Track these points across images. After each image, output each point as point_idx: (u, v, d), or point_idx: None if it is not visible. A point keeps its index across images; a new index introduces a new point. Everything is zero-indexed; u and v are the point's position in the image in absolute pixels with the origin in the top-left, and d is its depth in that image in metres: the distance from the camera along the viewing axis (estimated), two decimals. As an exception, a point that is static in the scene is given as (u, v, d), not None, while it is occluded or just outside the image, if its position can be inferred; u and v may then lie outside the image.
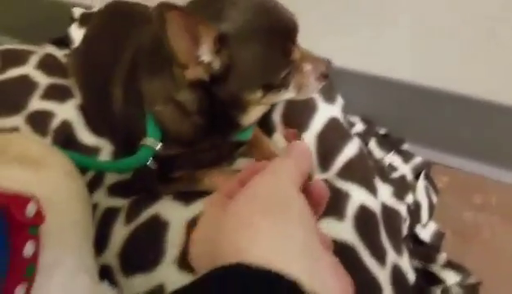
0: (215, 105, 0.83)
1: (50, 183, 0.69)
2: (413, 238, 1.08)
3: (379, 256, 0.90)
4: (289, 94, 0.85)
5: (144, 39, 0.90)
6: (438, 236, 1.10)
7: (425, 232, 1.09)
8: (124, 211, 0.96)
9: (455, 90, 1.23)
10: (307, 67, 0.83)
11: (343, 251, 0.86)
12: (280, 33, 0.78)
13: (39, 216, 0.57)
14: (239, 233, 0.38)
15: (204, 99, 0.82)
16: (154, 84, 0.86)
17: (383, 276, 0.88)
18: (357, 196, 0.94)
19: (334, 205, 0.91)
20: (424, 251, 1.05)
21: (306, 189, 0.47)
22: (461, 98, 1.22)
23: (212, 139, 0.91)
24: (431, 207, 1.14)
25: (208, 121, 0.86)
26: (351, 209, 0.92)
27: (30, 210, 0.56)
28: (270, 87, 0.81)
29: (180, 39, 0.71)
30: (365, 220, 0.92)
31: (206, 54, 0.75)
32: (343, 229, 0.89)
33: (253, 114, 0.89)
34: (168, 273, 0.86)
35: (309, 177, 0.48)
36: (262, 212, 0.39)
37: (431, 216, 1.14)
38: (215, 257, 0.38)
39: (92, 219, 0.85)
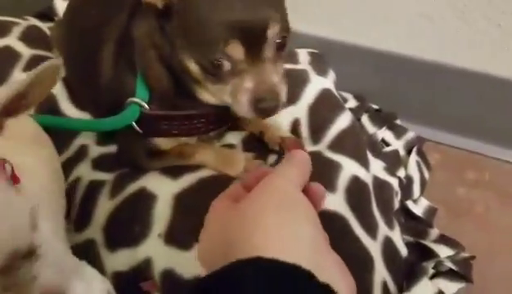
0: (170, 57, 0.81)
1: (15, 148, 0.65)
2: (405, 212, 1.05)
3: (371, 228, 0.88)
4: (225, 95, 0.78)
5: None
6: (431, 211, 1.07)
7: (417, 208, 1.07)
8: (110, 184, 0.93)
9: (446, 62, 1.20)
10: (248, 84, 0.74)
11: (333, 222, 0.84)
12: (231, 27, 0.71)
13: (15, 177, 0.55)
14: (253, 231, 0.42)
15: (159, 35, 0.81)
16: (142, 29, 0.84)
17: (374, 248, 0.86)
18: (349, 168, 0.92)
19: (326, 176, 0.89)
20: (416, 226, 1.02)
21: (304, 189, 0.51)
22: (453, 70, 1.19)
23: (189, 102, 0.87)
24: (423, 182, 1.12)
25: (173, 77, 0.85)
26: (342, 181, 0.90)
27: (8, 169, 0.54)
28: (204, 68, 0.76)
29: None
30: (356, 192, 0.90)
31: None
32: (335, 201, 0.86)
33: (209, 98, 0.85)
34: (155, 248, 0.83)
35: None
36: (273, 212, 0.44)
37: (423, 191, 1.11)
38: (228, 254, 0.42)
39: (65, 189, 0.81)
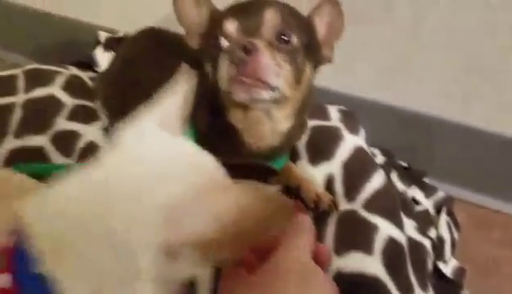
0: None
1: None
2: (436, 273, 1.03)
3: (407, 292, 0.86)
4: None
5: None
6: (460, 272, 1.05)
7: (447, 268, 1.05)
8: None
9: (475, 125, 1.20)
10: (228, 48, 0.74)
11: (373, 287, 0.82)
12: (234, 15, 0.77)
13: None
14: None
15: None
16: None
17: (411, 313, 0.83)
18: (384, 229, 0.91)
19: (363, 238, 0.88)
20: (447, 288, 1.00)
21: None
22: (483, 133, 1.20)
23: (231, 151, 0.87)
24: (453, 243, 1.11)
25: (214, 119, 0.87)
26: (378, 243, 0.88)
27: None
28: (213, 62, 0.78)
29: (183, 5, 0.83)
30: (392, 254, 0.88)
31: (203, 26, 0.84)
32: (372, 264, 0.85)
33: (239, 121, 0.85)
34: None
35: None
36: (295, 286, 0.45)
37: (453, 252, 1.09)
38: None
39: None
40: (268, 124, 0.86)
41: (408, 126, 1.27)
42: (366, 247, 0.86)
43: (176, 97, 0.54)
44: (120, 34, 1.40)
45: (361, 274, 0.83)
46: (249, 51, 0.70)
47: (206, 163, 0.50)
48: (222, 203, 0.42)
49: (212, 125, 0.88)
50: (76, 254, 0.43)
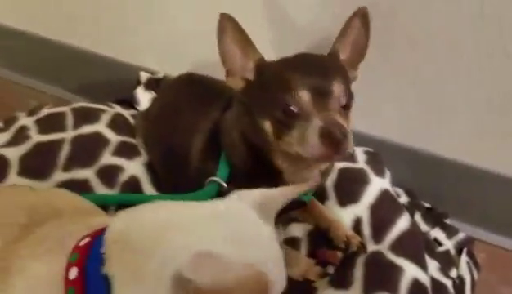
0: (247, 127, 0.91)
1: None
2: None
3: (431, 331, 0.90)
4: (293, 142, 0.82)
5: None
6: (480, 313, 1.08)
7: (468, 308, 1.08)
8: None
9: (494, 170, 1.24)
10: (316, 122, 0.79)
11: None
12: (298, 82, 0.81)
13: None
14: None
15: (243, 114, 0.92)
16: (229, 115, 0.97)
17: None
18: (410, 271, 0.95)
19: (388, 279, 0.92)
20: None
21: None
22: (499, 178, 1.23)
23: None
24: (473, 283, 1.13)
25: (253, 158, 0.93)
26: (404, 284, 0.93)
27: None
28: (275, 121, 0.83)
29: (229, 49, 0.87)
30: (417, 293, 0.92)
31: (247, 71, 0.90)
32: (399, 305, 0.89)
33: (276, 157, 0.91)
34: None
35: None
36: None
37: (473, 291, 1.12)
38: None
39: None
40: (315, 169, 0.92)
41: (431, 169, 1.31)
42: (392, 287, 0.91)
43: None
44: (160, 75, 1.48)
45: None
46: (345, 134, 0.78)
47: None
48: None
49: (250, 163, 0.94)
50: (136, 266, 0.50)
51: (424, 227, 1.21)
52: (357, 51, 0.93)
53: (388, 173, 1.20)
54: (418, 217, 1.23)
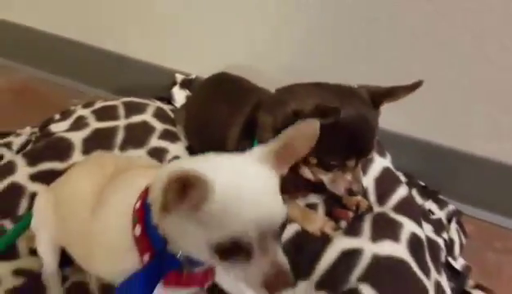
0: None
1: None
2: (448, 267, 1.26)
3: (426, 272, 1.10)
4: (325, 177, 1.09)
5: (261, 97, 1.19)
6: (467, 268, 1.28)
7: (457, 264, 1.27)
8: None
9: (481, 155, 1.45)
10: (348, 177, 1.07)
11: (400, 266, 1.06)
12: (353, 149, 1.05)
13: None
14: None
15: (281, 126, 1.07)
16: (267, 119, 1.13)
17: (429, 286, 1.07)
18: (408, 226, 1.16)
19: (391, 230, 1.13)
20: (456, 278, 1.23)
21: None
22: (486, 161, 1.45)
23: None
24: (461, 245, 1.35)
25: None
26: (404, 234, 1.13)
27: None
28: (322, 161, 1.07)
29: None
30: (415, 244, 1.13)
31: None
32: (399, 249, 1.09)
33: (308, 174, 1.13)
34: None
35: None
36: None
37: (461, 252, 1.33)
38: None
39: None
40: None
41: (429, 156, 1.52)
42: (394, 237, 1.11)
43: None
44: (193, 76, 1.71)
45: (391, 257, 1.07)
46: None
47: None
48: None
49: None
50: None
51: (419, 200, 1.42)
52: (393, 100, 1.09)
53: (388, 155, 1.41)
54: (414, 192, 1.45)
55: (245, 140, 1.18)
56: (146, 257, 0.74)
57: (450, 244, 1.31)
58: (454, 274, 1.25)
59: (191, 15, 1.64)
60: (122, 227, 0.77)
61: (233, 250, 0.63)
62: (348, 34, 1.45)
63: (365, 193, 1.28)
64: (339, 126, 0.99)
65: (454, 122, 1.46)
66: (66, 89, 1.97)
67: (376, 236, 1.12)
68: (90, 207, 0.86)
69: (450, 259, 1.27)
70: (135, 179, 0.84)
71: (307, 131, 0.71)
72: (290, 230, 1.16)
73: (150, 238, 0.74)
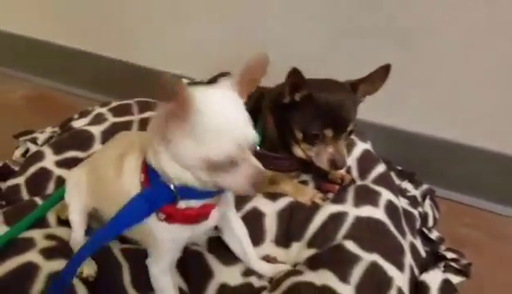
0: (284, 125, 1.30)
1: None
2: (423, 237, 1.43)
3: (402, 233, 1.26)
4: (311, 153, 1.27)
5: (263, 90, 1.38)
6: (440, 239, 1.44)
7: (432, 235, 1.44)
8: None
9: (449, 138, 1.64)
10: (329, 150, 1.24)
11: (379, 225, 1.23)
12: (329, 119, 1.23)
13: None
14: None
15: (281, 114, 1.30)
16: (267, 104, 1.34)
17: (405, 245, 1.23)
18: (386, 195, 1.32)
19: (370, 198, 1.30)
20: (430, 244, 1.40)
21: None
22: (456, 145, 1.63)
23: (285, 151, 1.34)
24: (434, 218, 1.51)
25: (280, 137, 1.33)
26: (382, 201, 1.30)
27: None
28: (305, 134, 1.25)
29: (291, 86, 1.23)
30: (391, 209, 1.29)
31: (297, 96, 1.25)
32: (378, 212, 1.26)
33: (299, 152, 1.32)
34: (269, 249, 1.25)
35: None
36: None
37: (435, 224, 1.50)
38: None
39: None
40: None
41: (403, 144, 1.70)
42: (374, 203, 1.28)
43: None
44: (197, 80, 1.89)
45: (371, 217, 1.24)
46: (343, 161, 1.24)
47: None
48: None
49: (277, 140, 1.35)
50: None
51: (396, 180, 1.60)
52: (373, 90, 1.29)
53: (369, 141, 1.59)
54: (392, 175, 1.62)
55: None
56: None
57: (424, 216, 1.48)
58: (428, 243, 1.41)
59: (193, 26, 1.83)
60: (133, 178, 0.95)
61: (222, 163, 0.79)
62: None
63: (348, 170, 1.46)
64: (317, 101, 1.22)
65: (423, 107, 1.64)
66: (77, 96, 2.15)
67: (358, 202, 1.28)
68: (115, 168, 1.03)
69: (424, 229, 1.43)
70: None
71: (258, 61, 0.85)
72: (284, 201, 1.33)
73: (148, 182, 0.91)
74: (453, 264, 1.30)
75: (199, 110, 0.77)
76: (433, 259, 1.33)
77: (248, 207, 1.30)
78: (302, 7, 1.66)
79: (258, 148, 1.28)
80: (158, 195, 0.89)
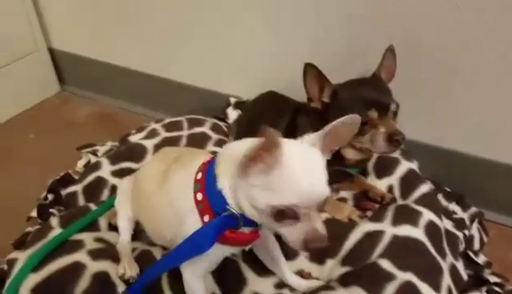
0: None
1: None
2: (468, 260, 1.35)
3: (442, 254, 1.22)
4: (365, 142, 1.25)
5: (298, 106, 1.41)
6: (487, 263, 1.36)
7: (478, 259, 1.36)
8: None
9: (503, 161, 1.54)
10: (382, 129, 1.23)
11: (415, 245, 1.19)
12: (369, 100, 1.23)
13: None
14: None
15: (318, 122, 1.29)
16: (303, 120, 1.36)
17: (444, 265, 1.18)
18: (427, 215, 1.28)
19: (411, 217, 1.26)
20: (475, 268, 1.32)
21: None
22: (509, 168, 1.54)
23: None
24: (482, 241, 1.43)
25: None
26: (422, 222, 1.25)
27: None
28: None
29: (311, 85, 1.27)
30: (431, 229, 1.25)
31: (325, 97, 1.28)
32: (417, 232, 1.22)
33: (351, 153, 1.31)
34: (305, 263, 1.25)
35: None
36: None
37: (481, 247, 1.42)
38: None
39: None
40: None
41: (453, 165, 1.63)
42: (413, 222, 1.24)
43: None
44: (244, 99, 1.95)
45: (409, 237, 1.20)
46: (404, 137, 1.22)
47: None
48: None
49: None
50: None
51: (443, 202, 1.53)
52: (391, 73, 1.34)
53: (415, 161, 1.54)
54: (440, 196, 1.56)
55: None
56: (206, 218, 0.93)
57: (469, 239, 1.41)
58: (473, 266, 1.33)
59: (245, 48, 1.88)
60: (185, 194, 0.97)
61: (286, 213, 0.81)
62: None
63: (390, 190, 1.43)
64: (347, 92, 1.27)
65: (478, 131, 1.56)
66: (138, 114, 2.26)
67: (397, 221, 1.24)
68: (158, 183, 1.09)
69: (469, 252, 1.36)
70: (193, 159, 1.06)
71: (349, 121, 0.87)
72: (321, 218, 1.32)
73: (209, 202, 0.93)
74: (497, 289, 1.23)
75: (282, 163, 0.79)
76: (476, 283, 1.26)
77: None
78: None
79: None
80: (227, 223, 0.91)
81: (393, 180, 1.45)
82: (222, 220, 0.90)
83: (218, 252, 0.99)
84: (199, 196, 0.94)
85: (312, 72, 1.27)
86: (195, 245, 0.92)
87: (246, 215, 0.88)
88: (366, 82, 1.31)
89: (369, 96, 1.25)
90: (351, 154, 1.33)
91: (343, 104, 1.26)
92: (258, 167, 0.80)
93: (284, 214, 0.81)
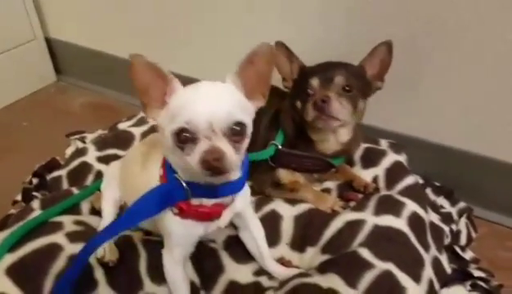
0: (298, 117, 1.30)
1: None
2: (454, 255, 1.32)
3: (425, 246, 1.19)
4: (306, 111, 1.23)
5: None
6: (475, 259, 1.33)
7: (465, 254, 1.32)
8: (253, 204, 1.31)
9: (500, 158, 1.50)
10: (315, 97, 1.20)
11: (398, 235, 1.17)
12: (312, 73, 1.23)
13: None
14: None
15: (290, 101, 1.32)
16: (285, 105, 1.35)
17: (426, 258, 1.15)
18: (411, 206, 1.25)
19: (394, 208, 1.23)
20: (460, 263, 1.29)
21: None
22: (502, 165, 1.50)
23: (307, 150, 1.32)
24: (469, 237, 1.40)
25: (297, 130, 1.32)
26: (405, 212, 1.22)
27: None
28: (302, 100, 1.24)
29: (282, 64, 1.30)
30: (415, 221, 1.22)
31: (294, 74, 1.31)
32: (399, 223, 1.19)
33: (311, 132, 1.29)
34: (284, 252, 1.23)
35: None
36: None
37: (469, 243, 1.39)
38: None
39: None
40: (334, 138, 1.30)
41: (444, 160, 1.60)
42: (395, 213, 1.21)
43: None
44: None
45: (391, 227, 1.18)
46: (325, 101, 1.18)
47: None
48: None
49: (296, 133, 1.34)
50: None
51: (432, 196, 1.51)
52: (384, 67, 1.29)
53: (404, 155, 1.51)
54: (428, 190, 1.53)
55: (272, 130, 1.37)
56: None
57: (456, 233, 1.37)
58: (458, 261, 1.30)
59: (245, 48, 1.85)
60: (155, 172, 0.99)
61: (186, 138, 0.79)
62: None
63: (375, 180, 1.40)
64: (309, 68, 1.30)
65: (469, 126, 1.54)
66: (134, 105, 2.23)
67: (379, 211, 1.22)
68: (141, 164, 1.09)
69: (456, 247, 1.33)
70: None
71: (260, 50, 0.85)
72: (304, 207, 1.31)
73: (166, 176, 0.95)
74: (483, 284, 1.19)
75: (177, 93, 0.84)
76: (461, 277, 1.23)
77: (267, 208, 1.30)
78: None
79: (280, 146, 1.29)
80: (171, 190, 0.93)
81: (379, 170, 1.42)
82: (165, 187, 0.93)
83: (186, 231, 0.98)
84: (161, 171, 0.97)
85: (282, 50, 1.28)
86: (143, 206, 0.94)
87: (188, 178, 0.90)
88: (333, 61, 1.28)
89: (317, 69, 1.25)
90: (311, 132, 1.30)
91: (298, 77, 1.29)
92: (155, 104, 0.85)
93: (184, 139, 0.80)
